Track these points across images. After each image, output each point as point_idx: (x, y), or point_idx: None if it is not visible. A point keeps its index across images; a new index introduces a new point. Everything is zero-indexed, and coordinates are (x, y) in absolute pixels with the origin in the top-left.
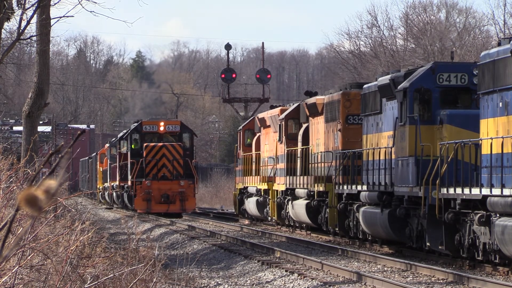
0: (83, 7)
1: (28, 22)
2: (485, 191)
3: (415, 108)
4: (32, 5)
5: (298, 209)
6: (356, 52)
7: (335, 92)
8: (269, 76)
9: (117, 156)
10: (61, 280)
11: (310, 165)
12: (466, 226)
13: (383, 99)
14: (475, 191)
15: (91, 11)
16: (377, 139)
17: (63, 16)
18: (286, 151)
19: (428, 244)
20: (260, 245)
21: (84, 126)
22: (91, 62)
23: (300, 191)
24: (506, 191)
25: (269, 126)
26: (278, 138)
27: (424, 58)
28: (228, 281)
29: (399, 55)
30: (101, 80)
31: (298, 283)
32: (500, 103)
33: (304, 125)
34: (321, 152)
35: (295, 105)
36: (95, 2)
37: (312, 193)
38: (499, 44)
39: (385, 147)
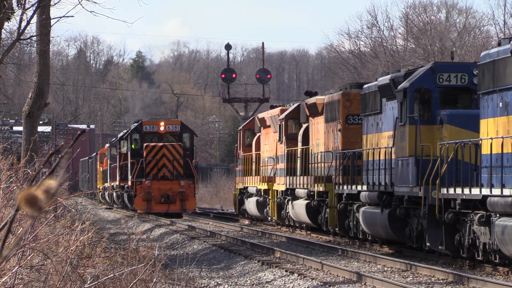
0: (83, 7)
1: (28, 22)
2: (485, 191)
3: (415, 108)
4: (32, 5)
5: (298, 209)
6: (356, 52)
7: (335, 92)
8: (269, 76)
9: (117, 156)
10: (61, 280)
11: (310, 165)
12: (466, 226)
13: (383, 99)
14: (475, 191)
15: (91, 11)
16: (377, 139)
17: (63, 16)
18: (286, 151)
19: (428, 244)
20: (260, 245)
21: (84, 126)
22: (91, 62)
23: (300, 191)
24: (506, 191)
25: (269, 126)
26: (278, 138)
27: (424, 58)
28: (228, 281)
29: (399, 55)
30: (101, 80)
31: (298, 283)
32: (500, 103)
33: (304, 125)
34: (321, 152)
35: (295, 105)
36: (95, 2)
37: (312, 193)
38: (499, 44)
39: (385, 147)
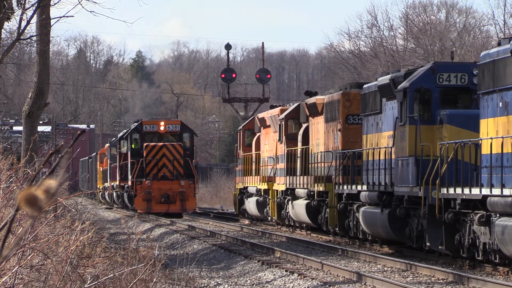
0: (83, 7)
1: (28, 22)
2: (485, 191)
3: (415, 108)
4: (32, 5)
5: (298, 209)
6: (356, 52)
7: (335, 92)
8: (269, 76)
9: (117, 156)
10: (61, 280)
11: (310, 165)
12: (466, 226)
13: (383, 99)
14: (475, 191)
15: (91, 11)
16: (377, 139)
17: (63, 16)
18: (286, 151)
19: (428, 244)
20: (260, 245)
21: (84, 126)
22: (91, 62)
23: (300, 191)
24: (506, 191)
25: (269, 126)
26: (278, 138)
27: (424, 58)
28: (228, 281)
29: (399, 55)
30: (101, 80)
31: (298, 283)
32: (500, 103)
33: (304, 125)
34: (321, 152)
35: (295, 105)
36: (95, 2)
37: (312, 193)
38: (499, 44)
39: (385, 147)
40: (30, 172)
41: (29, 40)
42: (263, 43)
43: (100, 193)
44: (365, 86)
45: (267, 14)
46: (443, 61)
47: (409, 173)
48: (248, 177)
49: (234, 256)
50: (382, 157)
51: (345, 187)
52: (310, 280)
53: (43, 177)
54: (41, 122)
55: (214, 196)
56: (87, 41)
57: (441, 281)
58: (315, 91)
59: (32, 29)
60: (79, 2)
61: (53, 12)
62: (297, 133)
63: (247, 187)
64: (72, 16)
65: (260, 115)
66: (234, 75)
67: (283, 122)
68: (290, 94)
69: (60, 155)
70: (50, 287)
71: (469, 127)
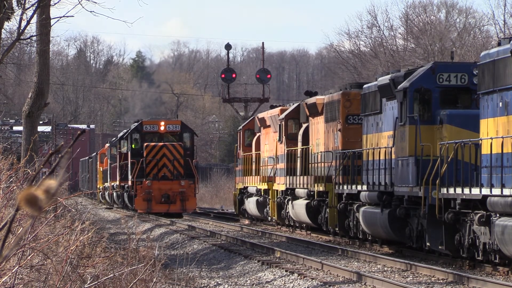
0: (83, 7)
1: (28, 22)
2: (485, 191)
3: (415, 108)
4: (32, 5)
5: (298, 209)
6: (356, 52)
7: (335, 92)
8: (269, 76)
9: (117, 156)
10: (61, 280)
11: (310, 165)
12: (466, 226)
13: (383, 99)
14: (475, 191)
15: (91, 11)
16: (377, 139)
17: (63, 16)
18: (286, 151)
19: (428, 244)
20: (260, 245)
21: (84, 126)
22: (91, 62)
23: (300, 191)
24: (506, 191)
25: (269, 126)
26: (278, 138)
27: (424, 58)
28: (228, 281)
29: (399, 55)
30: (101, 80)
31: (298, 283)
32: (500, 103)
33: (304, 125)
34: (321, 152)
35: (295, 105)
36: (95, 2)
37: (312, 193)
38: (499, 44)
39: (385, 147)
40: (30, 172)
41: (29, 40)
42: (263, 43)
43: (100, 193)
44: (365, 86)
45: (267, 14)
46: (443, 61)
47: (409, 173)
48: (248, 177)
49: (234, 256)
50: (382, 157)
51: (345, 187)
52: (310, 280)
53: (43, 177)
54: (41, 122)
55: (214, 196)
56: (87, 41)
57: (441, 281)
58: (315, 91)
59: (32, 29)
60: (79, 2)
61: (53, 12)
62: (297, 133)
63: (247, 187)
64: (72, 16)
65: (260, 115)
66: (234, 75)
67: (283, 122)
68: (290, 94)
69: (60, 155)
70: (50, 287)
71: (469, 127)
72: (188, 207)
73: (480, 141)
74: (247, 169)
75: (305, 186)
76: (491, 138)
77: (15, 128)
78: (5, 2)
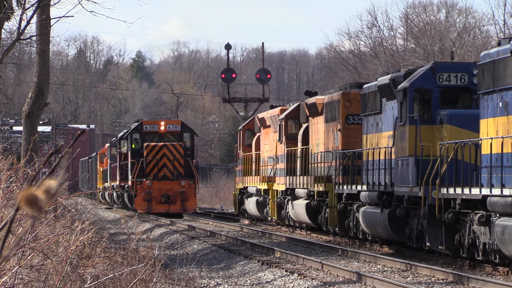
0: (83, 7)
1: (28, 22)
2: (485, 191)
3: (415, 108)
4: (32, 5)
5: (298, 209)
6: (356, 52)
7: (335, 92)
8: (269, 76)
9: (117, 156)
10: (61, 280)
11: (310, 165)
12: (466, 226)
13: (383, 99)
14: (475, 191)
15: (91, 11)
16: (377, 139)
17: (63, 16)
18: (286, 151)
19: (428, 244)
20: (260, 245)
21: (84, 126)
22: (91, 62)
23: (300, 191)
24: (506, 191)
25: (269, 126)
26: (278, 138)
27: (424, 58)
28: (228, 281)
29: (399, 55)
30: (101, 80)
31: (298, 283)
32: (500, 103)
33: (304, 125)
34: (321, 152)
35: (295, 105)
36: (95, 2)
37: (312, 193)
38: (499, 44)
39: (385, 147)
40: (30, 172)
41: (29, 40)
42: (263, 43)
43: (100, 193)
44: (365, 86)
45: (267, 14)
46: (443, 61)
47: (409, 173)
48: (248, 177)
49: (234, 256)
50: (382, 157)
51: (345, 187)
52: (310, 280)
53: (43, 177)
54: (41, 122)
55: (214, 196)
56: (87, 41)
57: (441, 281)
58: (315, 91)
59: (32, 29)
60: (79, 2)
61: (53, 12)
62: (297, 133)
63: (247, 187)
64: (72, 16)
65: (260, 115)
66: (234, 75)
67: (283, 122)
68: (290, 94)
69: (60, 155)
70: (50, 287)
71: (469, 127)
72: (188, 207)
73: (480, 141)
74: (247, 169)
75: (305, 186)
76: (491, 138)
77: (15, 128)
78: (5, 2)
